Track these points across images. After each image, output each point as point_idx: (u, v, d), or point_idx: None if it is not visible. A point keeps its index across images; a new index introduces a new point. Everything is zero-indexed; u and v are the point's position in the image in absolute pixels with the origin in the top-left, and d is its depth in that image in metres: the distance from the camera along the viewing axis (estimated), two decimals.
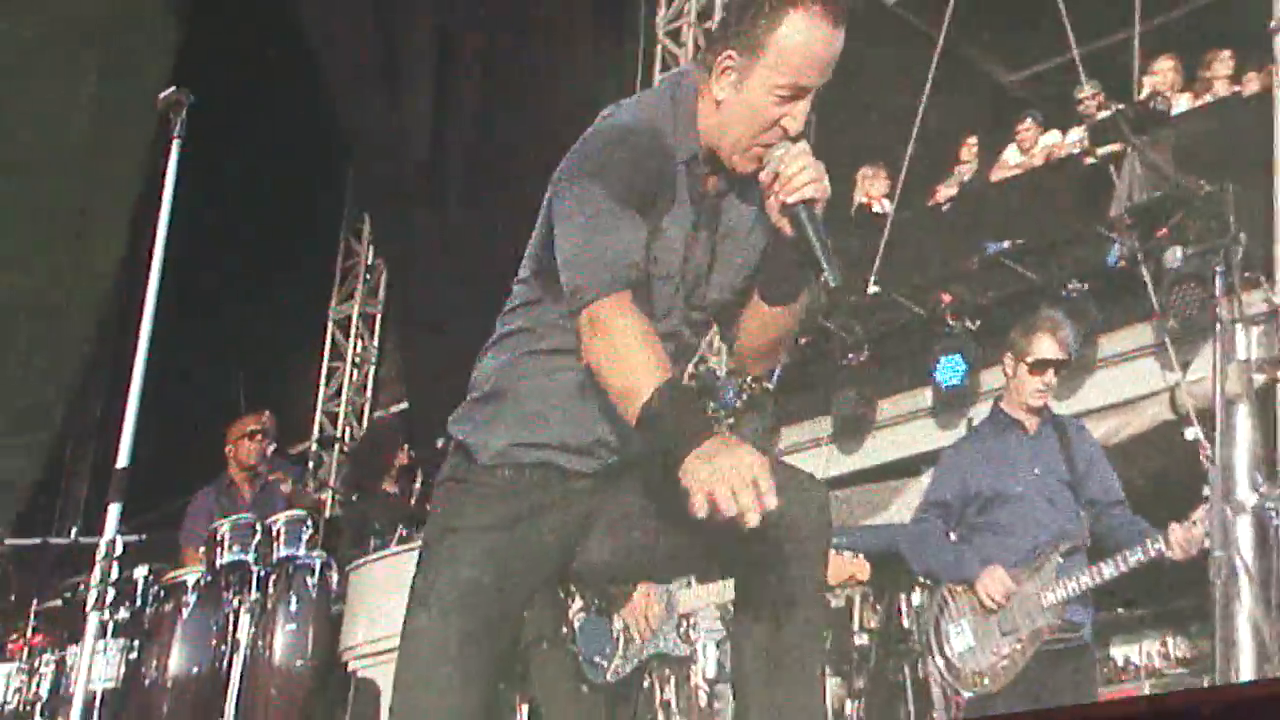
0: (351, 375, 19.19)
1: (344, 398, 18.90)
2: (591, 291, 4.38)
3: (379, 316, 19.55)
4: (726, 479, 4.04)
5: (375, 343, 19.47)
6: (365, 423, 18.74)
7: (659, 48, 16.88)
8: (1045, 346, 8.39)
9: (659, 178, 4.52)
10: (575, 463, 4.66)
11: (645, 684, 9.87)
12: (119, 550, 8.04)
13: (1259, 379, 11.52)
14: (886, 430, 13.36)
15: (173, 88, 8.15)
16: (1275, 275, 11.71)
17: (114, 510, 7.45)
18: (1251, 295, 11.55)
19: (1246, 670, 10.49)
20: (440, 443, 13.65)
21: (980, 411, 12.01)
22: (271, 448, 12.72)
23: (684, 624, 9.28)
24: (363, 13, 17.63)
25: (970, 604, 8.27)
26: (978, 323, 13.17)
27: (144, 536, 11.94)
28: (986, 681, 8.14)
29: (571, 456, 4.66)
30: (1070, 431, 8.71)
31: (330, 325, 19.48)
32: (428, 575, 4.73)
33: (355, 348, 19.30)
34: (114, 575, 7.42)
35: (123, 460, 7.48)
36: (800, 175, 4.37)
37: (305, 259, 19.20)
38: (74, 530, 13.67)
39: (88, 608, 8.63)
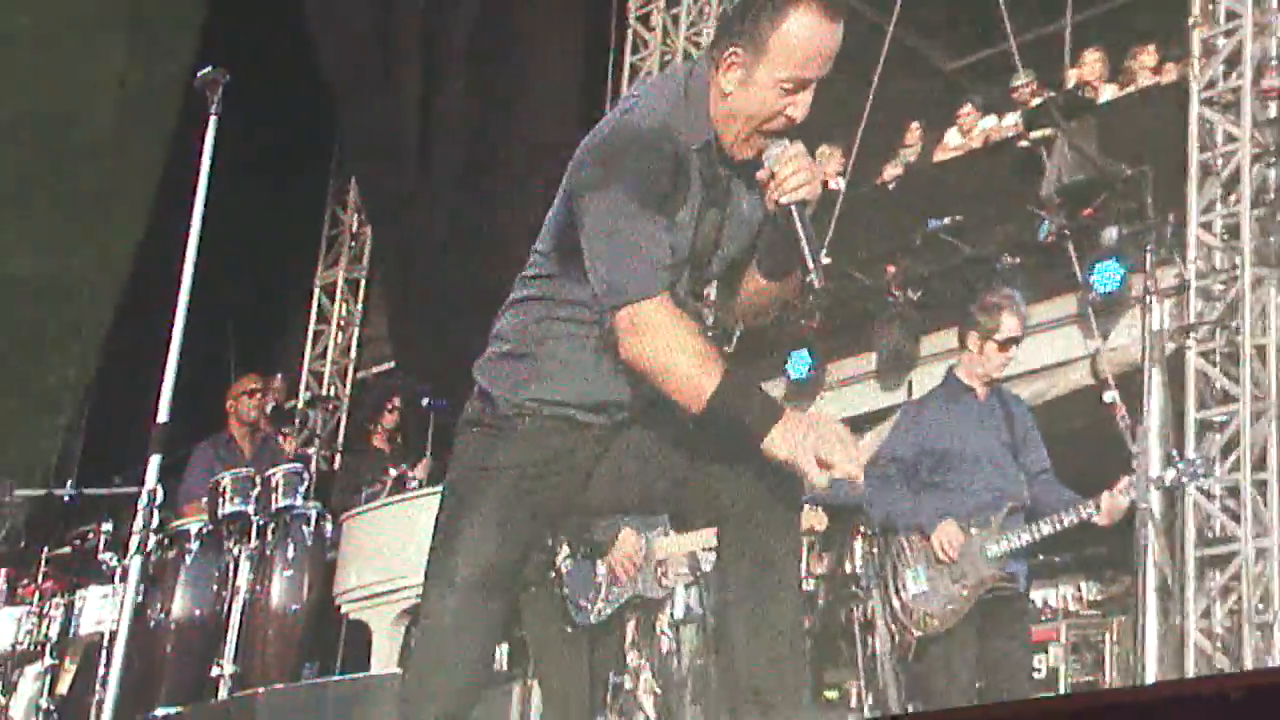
0: (336, 338, 19.43)
1: (329, 359, 19.20)
2: (630, 294, 4.59)
3: (363, 281, 19.76)
4: (829, 444, 4.35)
5: (359, 306, 19.70)
6: (349, 383, 19.04)
7: (630, 31, 17.16)
8: (1012, 324, 8.80)
9: (675, 173, 4.67)
10: (588, 418, 4.92)
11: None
12: (159, 499, 8.52)
13: (1170, 347, 12.34)
14: (833, 392, 13.89)
15: (209, 67, 8.18)
16: (1187, 253, 12.45)
17: (154, 462, 7.52)
18: (1165, 271, 12.27)
19: (1152, 609, 11.46)
20: (425, 403, 13.87)
21: (920, 375, 13.22)
22: (270, 406, 13.07)
23: (659, 569, 9.52)
24: None
25: (925, 552, 8.64)
26: (920, 293, 13.81)
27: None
28: (936, 623, 8.53)
29: (586, 413, 4.91)
30: (1010, 403, 9.14)
31: (317, 290, 19.74)
32: (455, 512, 4.95)
33: (340, 312, 19.58)
34: (155, 523, 7.57)
35: (163, 416, 7.61)
36: (794, 177, 4.58)
37: (292, 227, 19.37)
38: (69, 483, 13.34)
39: (128, 554, 9.23)
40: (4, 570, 12.48)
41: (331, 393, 18.56)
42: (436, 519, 4.96)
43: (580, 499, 5.09)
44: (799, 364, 14.07)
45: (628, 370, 4.70)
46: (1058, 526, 8.70)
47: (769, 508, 4.81)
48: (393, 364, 18.24)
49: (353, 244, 19.88)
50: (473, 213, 16.47)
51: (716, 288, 5.18)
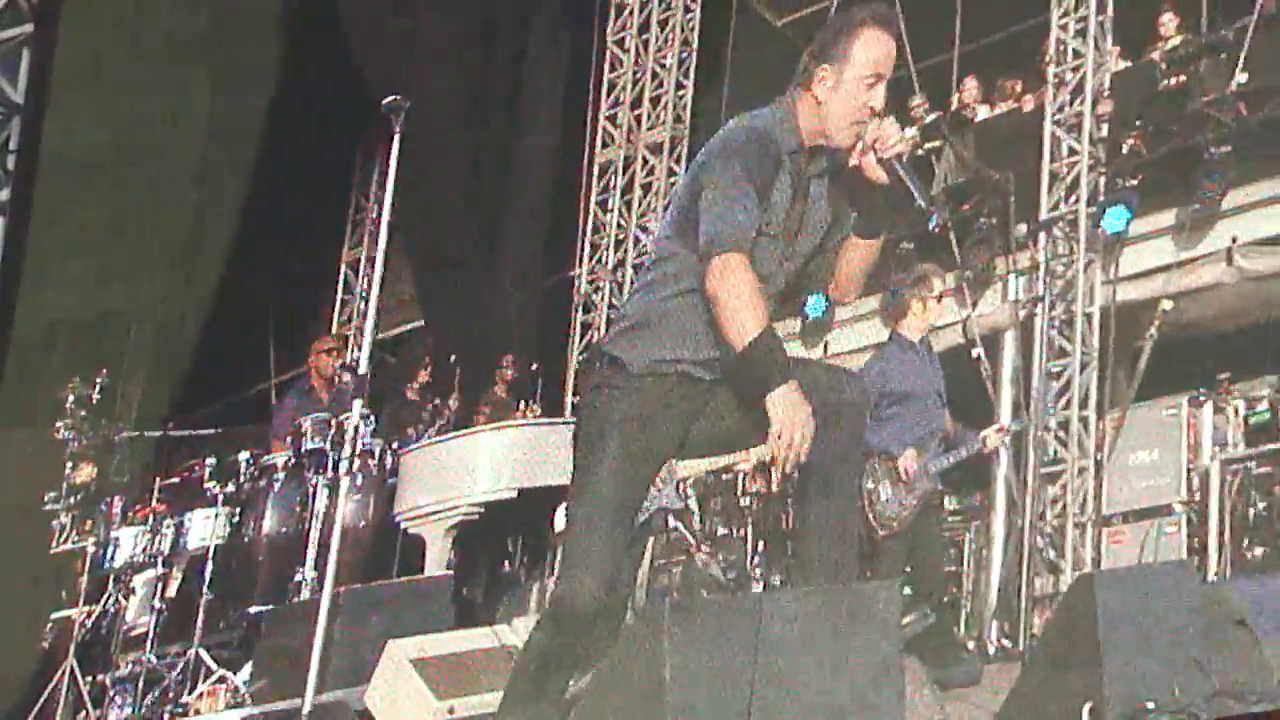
0: (360, 306, 20.51)
1: (354, 325, 20.31)
2: (726, 244, 5.16)
3: (380, 258, 20.36)
4: (792, 432, 4.98)
5: (379, 280, 20.71)
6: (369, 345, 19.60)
7: (608, 51, 18.48)
8: (939, 284, 10.39)
9: (775, 166, 5.31)
10: (700, 372, 5.45)
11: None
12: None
13: (1023, 314, 14.09)
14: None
15: (395, 95, 8.66)
16: (1038, 241, 14.16)
17: (357, 405, 8.50)
18: (1021, 255, 14.13)
19: (1001, 515, 13.36)
20: (453, 359, 14.54)
21: (838, 335, 15.12)
22: (340, 362, 13.71)
23: (680, 486, 10.05)
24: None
25: (889, 471, 9.80)
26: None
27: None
28: (895, 525, 9.72)
29: (699, 368, 5.44)
30: (934, 355, 10.45)
31: (344, 266, 21.03)
32: (593, 453, 5.46)
33: (364, 284, 20.76)
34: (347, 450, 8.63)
35: (363, 369, 8.72)
36: (893, 137, 5.28)
37: (320, 211, 20.45)
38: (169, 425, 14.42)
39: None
40: (118, 498, 13.13)
41: (354, 354, 19.07)
42: (575, 457, 5.55)
43: (688, 439, 5.60)
44: (816, 306, 15.14)
45: None
46: (970, 453, 10.27)
47: (833, 432, 5.29)
48: (421, 324, 19.00)
49: (373, 226, 20.67)
50: (488, 198, 17.32)
51: (814, 267, 5.58)
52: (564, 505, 9.62)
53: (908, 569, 10.08)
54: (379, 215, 20.32)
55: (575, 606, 5.33)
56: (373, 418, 12.16)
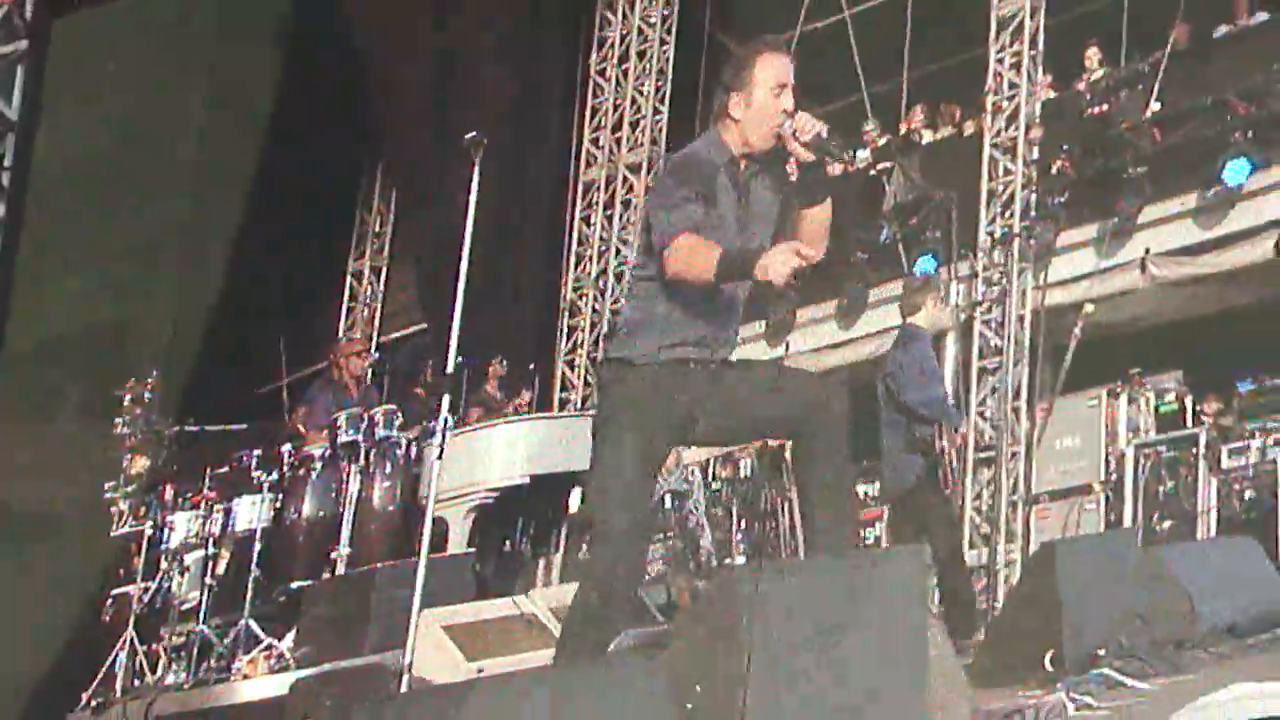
0: (363, 313, 20.83)
1: (358, 329, 20.32)
2: (671, 232, 5.49)
3: (384, 269, 21.06)
4: (784, 257, 5.17)
5: (381, 288, 20.99)
6: (372, 349, 19.02)
7: (591, 80, 18.88)
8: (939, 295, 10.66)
9: (705, 177, 5.59)
10: (695, 353, 5.63)
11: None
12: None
13: (963, 317, 14.42)
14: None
15: (473, 133, 8.70)
16: (977, 250, 14.58)
17: (446, 400, 8.57)
18: (961, 264, 14.48)
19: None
20: (451, 369, 15.14)
21: (799, 335, 15.34)
22: (368, 361, 13.94)
23: (685, 470, 10.72)
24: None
25: (949, 435, 9.91)
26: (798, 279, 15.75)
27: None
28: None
29: (692, 349, 5.63)
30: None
31: (348, 276, 21.16)
32: (610, 434, 5.67)
33: (366, 292, 21.01)
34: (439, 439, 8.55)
35: (450, 368, 8.55)
36: (808, 123, 5.51)
37: (327, 226, 20.37)
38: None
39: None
40: (170, 486, 13.16)
41: None
42: (594, 446, 5.73)
43: (693, 424, 5.73)
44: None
45: (709, 308, 5.62)
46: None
47: (824, 422, 5.56)
48: (422, 327, 18.91)
49: (375, 239, 21.13)
50: (487, 207, 17.47)
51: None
52: (579, 489, 9.84)
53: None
54: (382, 228, 21.37)
55: (609, 569, 5.62)
56: (398, 412, 12.35)
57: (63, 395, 16.30)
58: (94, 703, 12.02)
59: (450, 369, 8.68)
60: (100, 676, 12.19)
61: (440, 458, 8.65)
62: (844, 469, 5.73)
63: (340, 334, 20.18)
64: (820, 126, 5.55)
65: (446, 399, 8.74)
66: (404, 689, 7.87)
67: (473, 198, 8.75)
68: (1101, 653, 6.08)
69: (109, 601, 13.17)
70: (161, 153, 17.37)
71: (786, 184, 5.84)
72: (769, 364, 6.28)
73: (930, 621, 4.82)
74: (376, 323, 20.95)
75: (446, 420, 8.67)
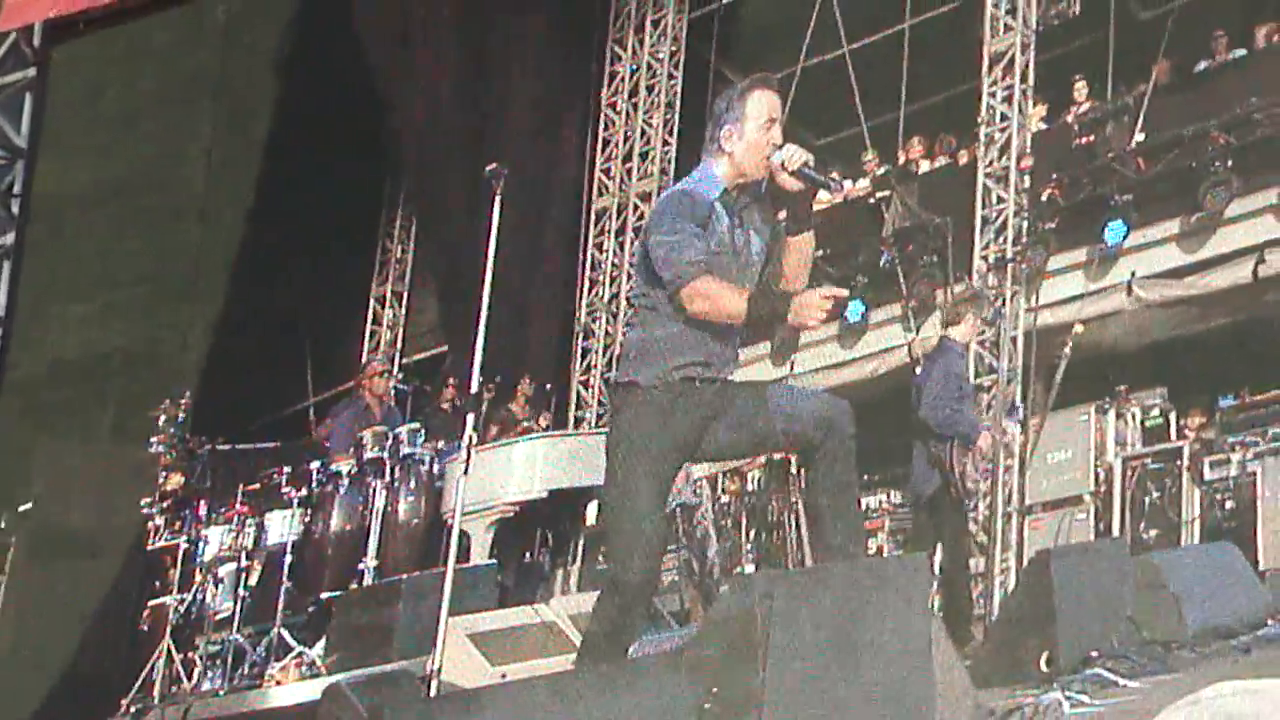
0: (385, 336, 20.77)
1: (380, 352, 20.01)
2: (686, 276, 5.51)
3: (405, 294, 20.98)
4: (815, 303, 5.29)
5: (403, 312, 20.90)
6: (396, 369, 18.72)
7: (602, 114, 18.92)
8: (987, 311, 10.95)
9: (705, 209, 5.59)
10: (701, 371, 5.67)
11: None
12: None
13: None
14: (740, 368, 15.09)
15: (494, 164, 8.74)
16: (972, 275, 14.60)
17: (469, 419, 8.57)
18: (958, 286, 14.41)
19: None
20: (475, 388, 15.10)
21: (802, 356, 15.38)
22: (392, 383, 13.92)
23: (695, 484, 10.73)
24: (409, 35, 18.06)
25: (976, 452, 9.85)
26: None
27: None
28: (979, 495, 10.36)
29: (699, 367, 5.65)
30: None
31: (372, 300, 21.05)
32: (622, 457, 5.67)
33: (389, 316, 20.94)
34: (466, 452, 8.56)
35: (474, 388, 8.63)
36: (795, 154, 5.53)
37: (351, 253, 20.51)
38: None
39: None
40: (203, 500, 13.09)
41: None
42: (608, 466, 5.74)
43: (712, 443, 5.79)
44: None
45: (714, 329, 5.62)
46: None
47: (834, 439, 5.63)
48: (443, 349, 18.91)
49: (398, 265, 21.10)
50: (506, 234, 17.20)
51: (767, 273, 5.79)
52: (595, 502, 9.84)
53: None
54: (404, 254, 21.29)
55: (629, 581, 5.60)
56: (422, 430, 12.47)
57: (74, 417, 16.16)
58: (133, 709, 12.06)
59: (474, 389, 8.69)
60: (139, 683, 12.23)
61: (466, 474, 8.72)
62: (852, 483, 5.76)
63: (364, 356, 19.99)
64: (807, 156, 5.59)
65: (470, 418, 8.76)
66: (432, 693, 7.93)
67: (494, 226, 8.81)
68: (1095, 654, 6.13)
69: (146, 612, 13.20)
70: (169, 178, 17.16)
71: (773, 216, 5.87)
72: (776, 383, 6.34)
73: (936, 625, 4.84)
74: (399, 345, 20.84)
75: (471, 438, 8.68)
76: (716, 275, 5.56)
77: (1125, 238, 14.15)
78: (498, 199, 8.81)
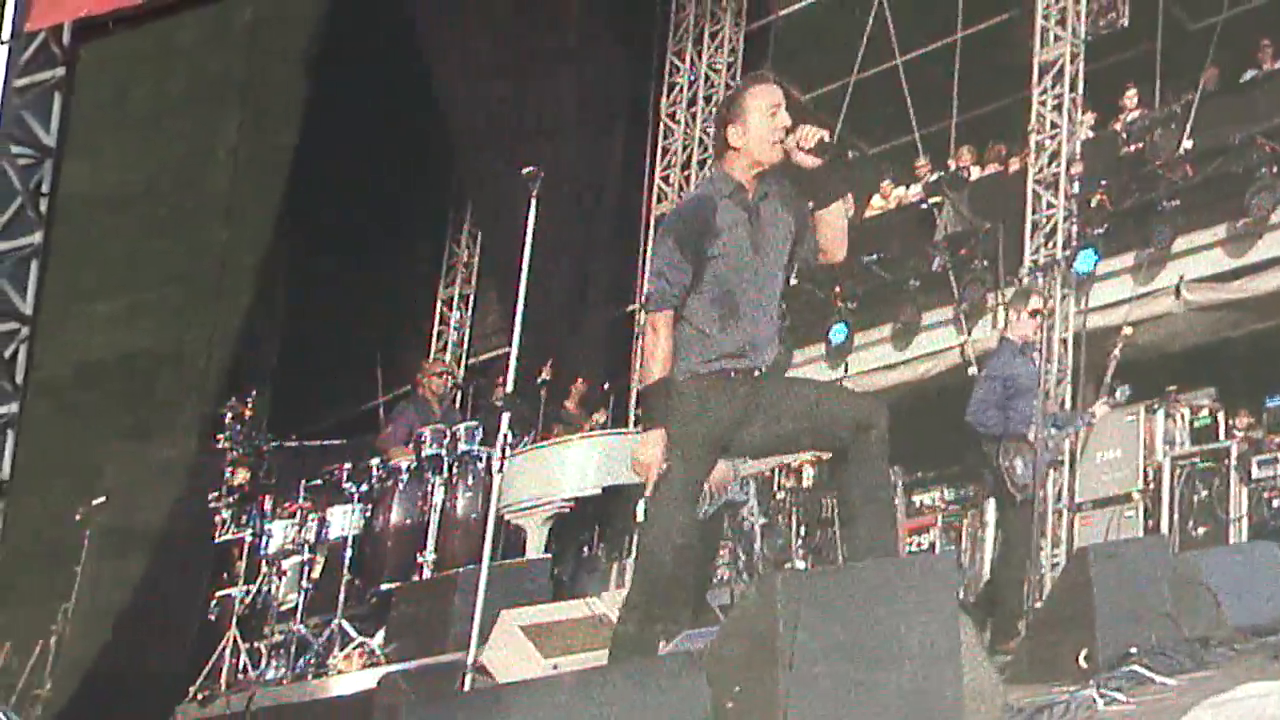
0: (452, 337, 20.80)
1: (448, 352, 20.46)
2: (653, 306, 5.62)
3: (472, 296, 20.94)
4: (643, 460, 5.44)
5: (470, 313, 20.90)
6: (462, 369, 19.71)
7: (662, 124, 18.90)
8: (1035, 301, 10.41)
9: (702, 222, 5.59)
10: (732, 364, 5.60)
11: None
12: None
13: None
14: (797, 368, 15.19)
15: (531, 166, 8.79)
16: (1022, 279, 14.28)
17: (505, 417, 8.70)
18: (1008, 290, 13.97)
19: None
20: (510, 388, 14.80)
21: (857, 357, 15.29)
22: (449, 381, 14.04)
23: (743, 484, 10.44)
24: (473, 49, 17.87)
25: (1020, 449, 9.73)
26: (855, 304, 15.64)
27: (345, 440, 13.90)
28: (1029, 493, 9.66)
29: (728, 360, 5.59)
30: (1029, 354, 10.34)
31: (439, 303, 21.06)
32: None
33: (456, 317, 20.91)
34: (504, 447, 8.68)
35: (509, 388, 8.85)
36: (810, 132, 5.48)
37: (421, 258, 20.67)
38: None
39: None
40: (268, 496, 13.24)
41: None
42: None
43: (736, 437, 5.73)
44: (838, 333, 15.49)
45: (744, 320, 5.59)
46: (1080, 427, 11.38)
47: (863, 439, 5.54)
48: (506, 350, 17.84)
49: (464, 269, 21.10)
50: (568, 238, 16.81)
51: (804, 250, 5.76)
52: (643, 499, 9.86)
53: None
54: (470, 258, 21.20)
55: (657, 572, 5.61)
56: (480, 428, 12.39)
57: (102, 418, 15.90)
58: (200, 696, 12.09)
59: (510, 390, 8.88)
60: (206, 672, 12.26)
61: (500, 471, 8.87)
62: (884, 482, 5.71)
63: (431, 357, 20.04)
64: (822, 132, 5.53)
65: (506, 417, 8.85)
66: (467, 687, 7.97)
67: (529, 227, 8.86)
68: (1133, 650, 5.98)
69: (214, 603, 13.22)
70: (197, 178, 16.57)
71: (798, 198, 5.78)
72: (810, 381, 6.13)
73: (965, 625, 4.71)
74: (465, 346, 20.88)
75: (506, 437, 8.75)
76: (716, 279, 5.61)
77: (1171, 243, 13.98)
78: (534, 201, 8.81)
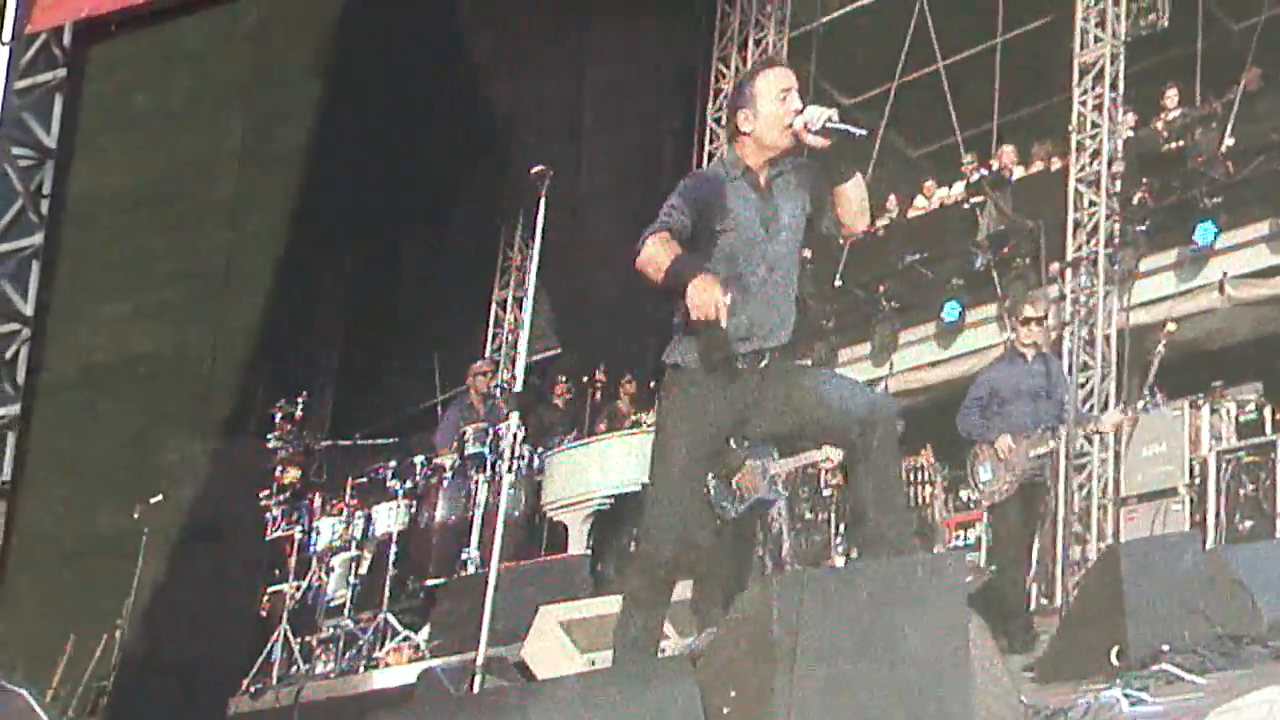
0: (506, 338, 20.08)
1: (503, 353, 19.78)
2: (646, 233, 5.40)
3: (526, 298, 18.85)
4: (703, 296, 5.03)
5: (524, 315, 20.04)
6: (514, 371, 19.68)
7: (707, 128, 18.26)
8: (1028, 310, 10.47)
9: (709, 192, 5.52)
10: (742, 347, 5.44)
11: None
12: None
13: (1053, 335, 13.66)
14: (842, 366, 15.00)
15: (541, 165, 8.65)
16: (1066, 277, 14.20)
17: (514, 416, 8.95)
18: (1051, 288, 14.12)
19: None
20: (585, 379, 14.63)
21: (901, 355, 15.22)
22: (494, 381, 14.22)
23: (773, 483, 9.99)
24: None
25: (990, 454, 9.92)
26: (897, 304, 15.40)
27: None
28: (997, 497, 9.86)
29: (739, 342, 5.41)
30: (1051, 363, 10.51)
31: (493, 305, 20.53)
32: (664, 437, 5.57)
33: (510, 319, 20.26)
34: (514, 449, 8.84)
35: (518, 387, 8.87)
36: (816, 113, 5.37)
37: (475, 260, 20.07)
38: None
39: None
40: (318, 494, 13.36)
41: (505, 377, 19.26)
42: (653, 444, 5.67)
43: (743, 427, 5.67)
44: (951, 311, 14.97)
45: (751, 298, 5.45)
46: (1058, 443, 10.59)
47: (871, 435, 5.36)
48: (558, 350, 18.36)
49: (518, 271, 20.45)
50: (621, 239, 16.91)
51: (824, 227, 5.66)
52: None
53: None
54: (523, 261, 20.79)
55: (658, 560, 5.50)
56: (523, 427, 11.88)
57: (106, 419, 15.82)
58: (252, 689, 12.15)
59: (517, 389, 8.96)
60: (258, 665, 12.30)
61: (510, 470, 9.25)
62: (894, 477, 5.64)
63: (485, 357, 19.63)
64: (830, 113, 5.42)
65: (515, 415, 8.97)
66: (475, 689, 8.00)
67: (539, 226, 8.72)
68: (1165, 648, 5.76)
69: (265, 598, 13.26)
70: (201, 180, 16.23)
71: (813, 178, 5.65)
72: (818, 372, 6.18)
73: (976, 624, 4.48)
74: (518, 347, 20.47)
75: (516, 434, 9.03)
76: (725, 256, 5.47)
77: (1215, 239, 13.67)
78: (543, 200, 8.66)
